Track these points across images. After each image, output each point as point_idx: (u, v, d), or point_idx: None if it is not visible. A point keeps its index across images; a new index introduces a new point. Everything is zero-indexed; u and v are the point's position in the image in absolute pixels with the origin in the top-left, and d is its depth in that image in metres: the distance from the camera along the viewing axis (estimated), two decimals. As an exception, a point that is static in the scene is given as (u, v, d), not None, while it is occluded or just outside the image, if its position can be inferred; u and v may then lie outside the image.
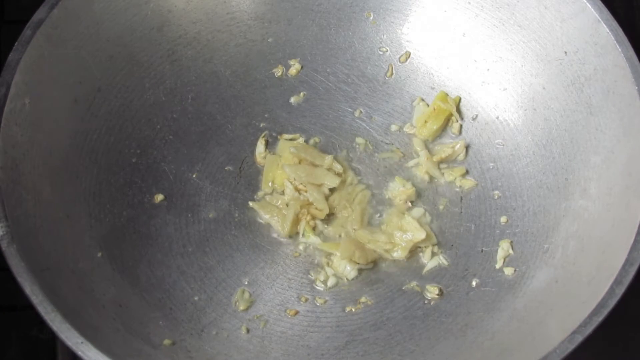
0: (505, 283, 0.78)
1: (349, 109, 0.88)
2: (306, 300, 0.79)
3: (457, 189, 0.85)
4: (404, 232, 0.81)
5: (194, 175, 0.84)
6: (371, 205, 0.84)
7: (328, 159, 0.84)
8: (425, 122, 0.86)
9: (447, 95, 0.87)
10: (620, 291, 0.67)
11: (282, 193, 0.83)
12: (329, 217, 0.83)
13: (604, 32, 0.77)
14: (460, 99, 0.88)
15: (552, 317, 0.71)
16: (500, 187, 0.84)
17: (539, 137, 0.83)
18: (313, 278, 0.80)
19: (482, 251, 0.81)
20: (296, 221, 0.82)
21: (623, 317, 0.69)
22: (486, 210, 0.83)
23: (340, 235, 0.82)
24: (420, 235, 0.80)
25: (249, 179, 0.85)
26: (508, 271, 0.79)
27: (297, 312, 0.78)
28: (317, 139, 0.87)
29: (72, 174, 0.78)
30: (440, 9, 0.87)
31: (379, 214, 0.83)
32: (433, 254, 0.81)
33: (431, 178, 0.85)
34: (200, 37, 0.87)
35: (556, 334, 0.67)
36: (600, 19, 0.78)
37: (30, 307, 0.66)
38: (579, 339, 0.66)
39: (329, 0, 0.89)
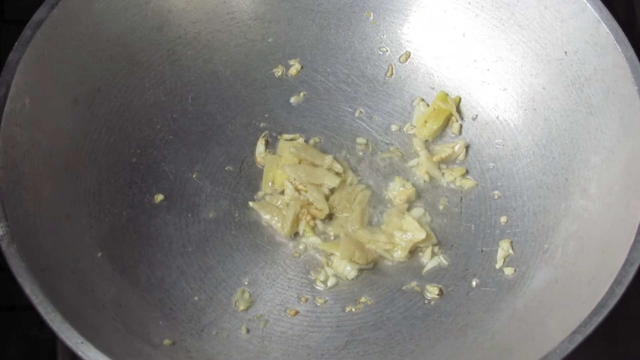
0: (505, 283, 0.78)
1: (349, 109, 0.88)
2: (306, 300, 0.79)
3: (457, 189, 0.85)
4: (404, 232, 0.81)
5: (194, 175, 0.84)
6: (371, 205, 0.84)
7: (328, 159, 0.84)
8: (425, 122, 0.86)
9: (447, 95, 0.87)
10: (620, 291, 0.67)
11: (282, 193, 0.83)
12: (329, 217, 0.83)
13: (604, 32, 0.77)
14: (460, 99, 0.88)
15: (552, 317, 0.71)
16: (500, 187, 0.84)
17: (539, 137, 0.83)
18: (313, 278, 0.80)
19: (482, 251, 0.81)
20: (296, 221, 0.82)
21: (623, 317, 0.69)
22: (486, 210, 0.83)
23: (340, 235, 0.82)
24: (420, 235, 0.80)
25: (249, 179, 0.85)
26: (508, 271, 0.79)
27: (297, 312, 0.78)
28: (317, 139, 0.87)
29: (72, 174, 0.78)
30: (440, 9, 0.87)
31: (379, 214, 0.83)
32: (433, 254, 0.81)
33: (431, 178, 0.85)
34: (200, 37, 0.87)
35: (556, 334, 0.67)
36: (600, 19, 0.78)
37: (30, 307, 0.66)
38: (579, 339, 0.66)
39: (329, 0, 0.89)
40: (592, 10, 0.78)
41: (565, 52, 0.81)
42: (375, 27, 0.90)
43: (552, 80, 0.82)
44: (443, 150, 0.86)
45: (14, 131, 0.73)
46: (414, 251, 0.81)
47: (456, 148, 0.86)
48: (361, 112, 0.88)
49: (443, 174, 0.85)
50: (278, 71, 0.89)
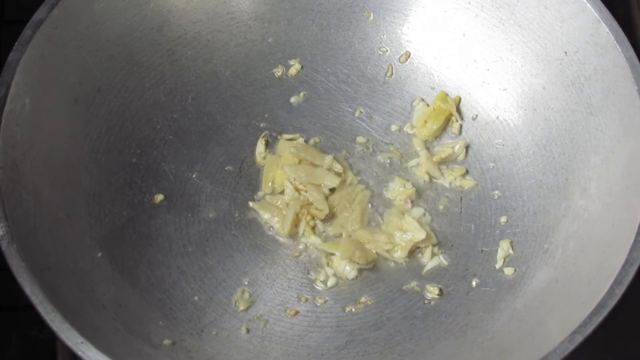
0: (505, 283, 0.78)
1: (349, 109, 0.88)
2: (306, 300, 0.79)
3: (457, 189, 0.85)
4: (404, 232, 0.81)
5: (194, 175, 0.84)
6: (371, 205, 0.84)
7: (328, 159, 0.84)
8: (425, 122, 0.86)
9: (447, 95, 0.87)
10: (620, 291, 0.67)
11: (282, 193, 0.83)
12: (329, 217, 0.83)
13: (604, 32, 0.77)
14: (460, 99, 0.88)
15: (552, 317, 0.71)
16: (500, 187, 0.84)
17: (539, 137, 0.83)
18: (313, 278, 0.80)
19: (482, 251, 0.81)
20: (296, 221, 0.82)
21: (623, 317, 0.69)
22: (486, 210, 0.83)
23: (340, 235, 0.82)
24: (420, 235, 0.80)
25: (249, 179, 0.85)
26: (508, 271, 0.79)
27: (297, 312, 0.78)
28: (317, 139, 0.87)
29: (72, 174, 0.78)
30: (440, 9, 0.87)
31: (379, 214, 0.83)
32: (433, 254, 0.81)
33: (431, 178, 0.85)
34: (200, 37, 0.87)
35: (556, 334, 0.67)
36: (600, 19, 0.78)
37: (30, 307, 0.66)
38: (579, 339, 0.66)
39: (329, 0, 0.89)
40: (592, 10, 0.78)
41: (565, 52, 0.81)
42: (375, 27, 0.90)
43: (552, 80, 0.82)
44: (443, 150, 0.86)
45: (14, 131, 0.73)
46: (414, 251, 0.81)
47: (456, 148, 0.86)
48: (361, 112, 0.88)
49: (443, 174, 0.85)
50: (278, 71, 0.89)
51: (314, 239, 0.81)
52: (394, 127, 0.88)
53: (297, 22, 0.89)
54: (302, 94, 0.89)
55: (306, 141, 0.86)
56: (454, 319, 0.77)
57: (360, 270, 0.80)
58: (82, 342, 0.65)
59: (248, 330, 0.77)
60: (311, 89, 0.89)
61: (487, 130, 0.86)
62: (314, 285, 0.80)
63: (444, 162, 0.86)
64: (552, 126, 0.82)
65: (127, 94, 0.84)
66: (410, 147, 0.87)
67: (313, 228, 0.82)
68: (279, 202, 0.83)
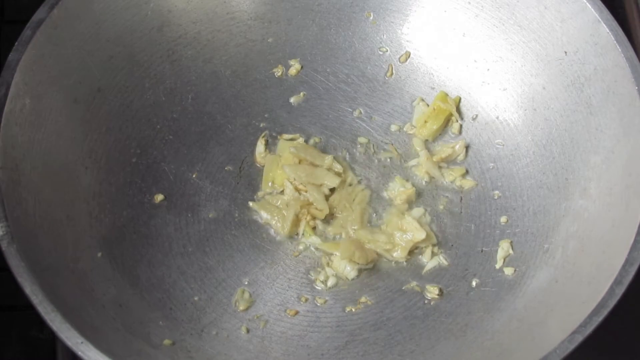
0: (505, 283, 0.78)
1: (349, 109, 0.88)
2: (306, 300, 0.79)
3: (457, 189, 0.85)
4: (404, 232, 0.81)
5: (194, 175, 0.84)
6: (371, 205, 0.84)
7: (328, 159, 0.84)
8: (425, 122, 0.86)
9: (447, 95, 0.87)
10: (620, 291, 0.67)
11: (282, 193, 0.83)
12: (329, 217, 0.83)
13: (604, 32, 0.77)
14: (460, 99, 0.88)
15: (552, 317, 0.71)
16: (500, 187, 0.84)
17: (539, 137, 0.83)
18: (313, 278, 0.80)
19: (482, 251, 0.81)
20: (296, 221, 0.82)
21: (623, 317, 0.69)
22: (486, 210, 0.83)
23: (340, 235, 0.82)
24: (420, 235, 0.80)
25: (249, 179, 0.85)
26: (508, 271, 0.79)
27: (297, 312, 0.78)
28: (317, 139, 0.87)
29: (72, 174, 0.78)
30: (440, 9, 0.87)
31: (379, 214, 0.83)
32: (433, 254, 0.81)
33: (431, 178, 0.85)
34: (200, 37, 0.87)
35: (556, 334, 0.67)
36: (600, 19, 0.78)
37: (30, 307, 0.66)
38: (579, 339, 0.66)
39: (329, 0, 0.89)
40: (592, 10, 0.78)
41: (565, 52, 0.81)
42: (375, 27, 0.90)
43: (552, 80, 0.82)
44: (443, 150, 0.86)
45: (14, 131, 0.73)
46: (414, 251, 0.81)
47: (456, 148, 0.86)
48: (361, 112, 0.88)
49: (443, 174, 0.85)
50: (278, 71, 0.89)
51: (314, 239, 0.81)
52: (394, 127, 0.88)
53: (297, 22, 0.89)
54: (302, 94, 0.89)
55: (306, 141, 0.86)
56: (454, 319, 0.77)
57: (360, 270, 0.80)
58: (82, 342, 0.65)
59: (248, 330, 0.77)
60: (311, 89, 0.89)
61: (487, 130, 0.86)
62: (314, 285, 0.80)
63: (444, 162, 0.86)
64: (552, 126, 0.82)
65: (127, 94, 0.84)
66: (410, 147, 0.87)
67: (313, 228, 0.82)
68: (279, 202, 0.83)
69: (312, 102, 0.89)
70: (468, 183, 0.85)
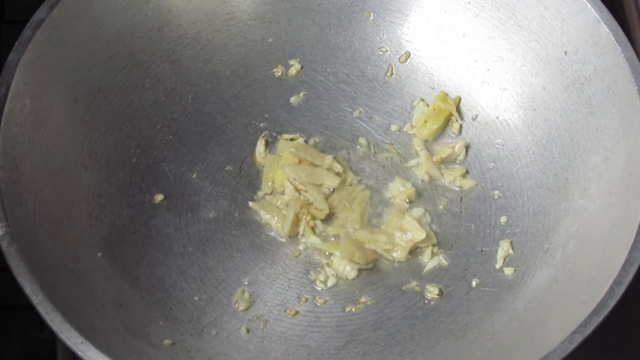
0: (505, 283, 0.78)
1: (349, 109, 0.88)
2: (306, 300, 0.79)
3: (457, 189, 0.85)
4: (404, 232, 0.81)
5: (194, 175, 0.84)
6: (371, 205, 0.84)
7: (328, 159, 0.84)
8: (425, 122, 0.86)
9: (447, 95, 0.87)
10: (620, 291, 0.67)
11: (282, 193, 0.83)
12: (329, 217, 0.83)
13: (604, 32, 0.77)
14: (460, 99, 0.88)
15: (552, 317, 0.71)
16: (500, 187, 0.84)
17: (539, 137, 0.83)
18: (313, 278, 0.80)
19: (482, 251, 0.81)
20: (296, 221, 0.82)
21: (623, 317, 0.69)
22: (486, 210, 0.83)
23: (340, 235, 0.82)
24: (420, 235, 0.80)
25: (249, 179, 0.85)
26: (508, 271, 0.79)
27: (297, 312, 0.78)
28: (317, 139, 0.87)
29: (72, 174, 0.78)
30: (440, 9, 0.87)
31: (379, 214, 0.83)
32: (433, 254, 0.81)
33: (431, 178, 0.85)
34: (200, 37, 0.87)
35: (556, 334, 0.67)
36: (600, 19, 0.78)
37: (30, 307, 0.66)
38: (579, 339, 0.66)
39: (329, 0, 0.89)
40: (592, 10, 0.78)
41: (565, 52, 0.81)
42: (375, 27, 0.90)
43: (552, 80, 0.82)
44: (443, 150, 0.86)
45: (14, 131, 0.73)
46: (414, 251, 0.81)
47: (456, 148, 0.86)
48: (361, 112, 0.88)
49: (443, 174, 0.85)
50: (278, 71, 0.89)
51: (314, 239, 0.81)
52: (394, 127, 0.88)
53: (297, 22, 0.89)
54: (302, 94, 0.89)
55: (306, 141, 0.86)
56: (454, 319, 0.77)
57: (360, 270, 0.80)
58: (82, 342, 0.65)
59: (248, 330, 0.77)
60: (311, 89, 0.89)
61: (487, 130, 0.86)
62: (314, 285, 0.80)
63: (444, 162, 0.86)
64: (552, 126, 0.82)
65: (127, 94, 0.84)
66: (410, 147, 0.87)
67: (313, 228, 0.82)
68: (279, 202, 0.83)
69: (312, 102, 0.89)
70: (468, 183, 0.85)
